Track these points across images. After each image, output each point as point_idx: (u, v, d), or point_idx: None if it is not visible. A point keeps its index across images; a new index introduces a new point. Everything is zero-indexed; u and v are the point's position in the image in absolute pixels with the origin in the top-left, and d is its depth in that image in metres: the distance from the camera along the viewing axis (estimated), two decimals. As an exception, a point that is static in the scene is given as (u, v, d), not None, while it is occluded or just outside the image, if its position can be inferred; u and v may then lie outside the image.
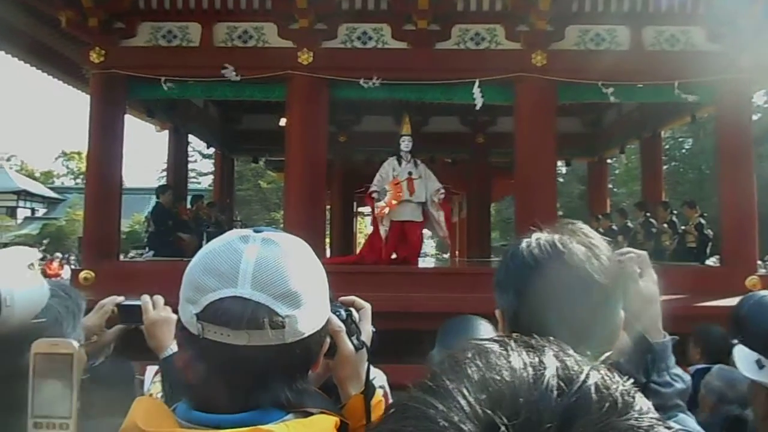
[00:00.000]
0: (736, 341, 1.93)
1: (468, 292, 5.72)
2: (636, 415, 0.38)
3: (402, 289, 6.17)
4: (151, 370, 2.09)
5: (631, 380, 0.42)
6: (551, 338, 0.45)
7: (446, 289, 6.14)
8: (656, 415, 0.40)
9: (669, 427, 0.39)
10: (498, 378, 0.40)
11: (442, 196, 7.38)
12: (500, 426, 0.36)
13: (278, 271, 0.79)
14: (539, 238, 1.00)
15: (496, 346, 0.44)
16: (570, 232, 1.00)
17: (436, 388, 0.41)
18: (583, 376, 0.40)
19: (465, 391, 0.39)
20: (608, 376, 0.41)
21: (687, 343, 3.50)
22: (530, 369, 0.40)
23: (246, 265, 0.78)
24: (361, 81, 6.67)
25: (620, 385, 0.40)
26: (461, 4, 6.85)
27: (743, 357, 1.51)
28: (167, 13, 6.94)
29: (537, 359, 0.41)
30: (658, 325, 1.12)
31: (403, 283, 6.39)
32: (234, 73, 6.63)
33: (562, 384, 0.39)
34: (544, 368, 0.40)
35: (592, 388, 0.39)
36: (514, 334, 0.45)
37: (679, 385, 1.10)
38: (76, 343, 0.90)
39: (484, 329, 1.83)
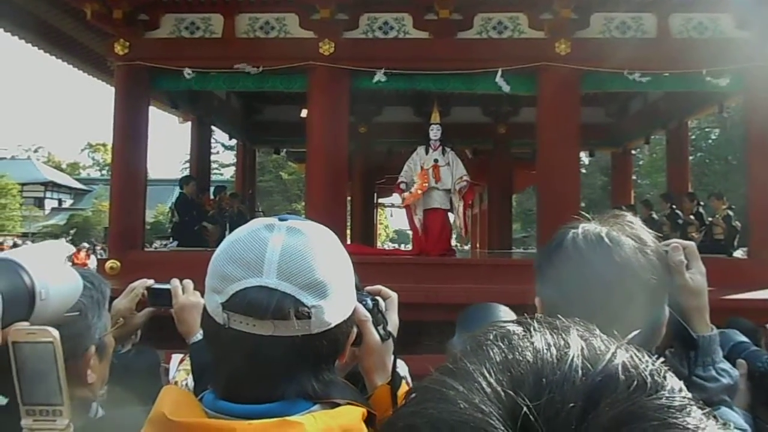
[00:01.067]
0: None
1: (488, 283, 5.71)
2: (667, 395, 0.37)
3: (422, 279, 6.16)
4: (176, 358, 2.12)
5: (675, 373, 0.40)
6: (576, 319, 0.43)
7: (467, 281, 6.12)
8: (689, 394, 0.38)
9: (703, 408, 0.38)
10: (520, 359, 0.39)
11: (464, 183, 7.32)
12: (522, 407, 0.36)
13: (304, 260, 0.78)
14: (586, 229, 0.96)
15: (519, 329, 0.43)
16: (618, 225, 0.96)
17: (457, 371, 0.40)
18: (609, 356, 0.39)
19: (486, 373, 0.38)
20: (637, 355, 0.39)
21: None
22: (554, 349, 0.39)
23: (271, 254, 0.77)
24: (382, 71, 6.64)
25: (650, 364, 0.39)
26: (484, -8, 6.79)
27: None
28: (190, 5, 6.98)
29: (561, 340, 0.40)
30: (706, 318, 1.07)
31: (423, 273, 6.38)
32: (251, 67, 6.65)
33: (588, 363, 0.38)
34: (568, 348, 0.39)
35: (619, 368, 0.38)
36: (538, 315, 0.44)
37: (725, 381, 1.05)
38: (55, 331, 0.89)
39: (505, 315, 1.81)
